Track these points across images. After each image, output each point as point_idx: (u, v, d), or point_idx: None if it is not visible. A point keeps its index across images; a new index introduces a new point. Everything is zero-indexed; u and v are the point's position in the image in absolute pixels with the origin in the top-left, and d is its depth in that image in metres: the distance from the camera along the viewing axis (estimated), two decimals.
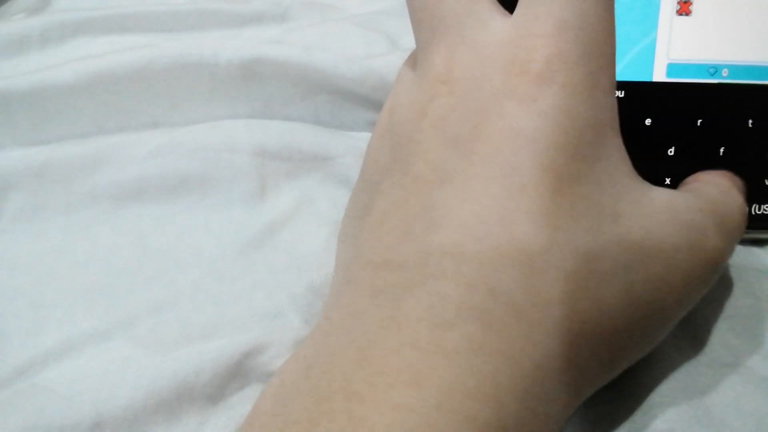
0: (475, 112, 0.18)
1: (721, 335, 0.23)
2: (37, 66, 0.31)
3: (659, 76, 0.27)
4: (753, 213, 0.26)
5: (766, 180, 0.26)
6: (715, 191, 0.22)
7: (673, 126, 0.26)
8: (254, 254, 0.26)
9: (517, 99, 0.18)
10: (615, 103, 0.19)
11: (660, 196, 0.20)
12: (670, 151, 0.26)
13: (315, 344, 0.18)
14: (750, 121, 0.26)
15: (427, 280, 0.17)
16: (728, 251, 0.21)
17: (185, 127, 0.29)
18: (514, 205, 0.17)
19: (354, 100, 0.30)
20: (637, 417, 0.21)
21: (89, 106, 0.29)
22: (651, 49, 0.27)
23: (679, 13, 0.27)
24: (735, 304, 0.24)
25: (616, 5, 0.27)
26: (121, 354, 0.23)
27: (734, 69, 0.27)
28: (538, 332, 0.17)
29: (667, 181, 0.26)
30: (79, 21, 0.32)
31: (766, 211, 0.26)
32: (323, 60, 0.29)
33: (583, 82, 0.18)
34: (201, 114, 0.30)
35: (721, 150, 0.26)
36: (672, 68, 0.27)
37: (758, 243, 0.26)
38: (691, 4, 0.27)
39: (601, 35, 0.19)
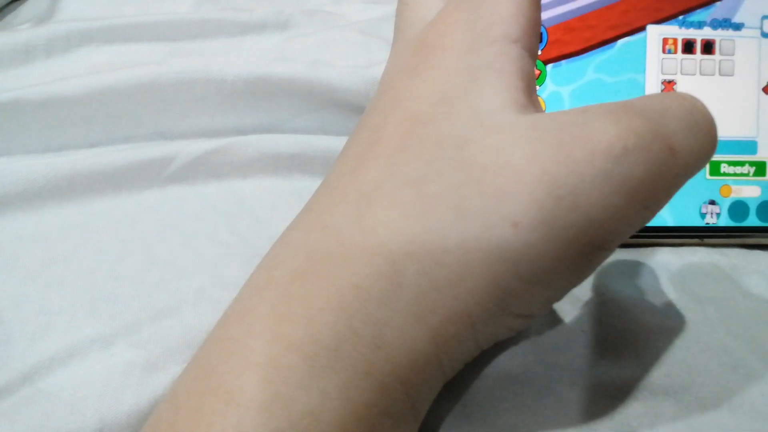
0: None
1: (720, 337, 0.23)
2: (43, 75, 0.31)
3: None
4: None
5: None
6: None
7: None
8: (258, 263, 0.26)
9: (413, 72, 0.21)
10: (502, 48, 0.19)
11: (539, 115, 0.18)
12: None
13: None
14: None
15: (287, 232, 0.20)
16: (637, 138, 0.17)
17: (196, 143, 0.29)
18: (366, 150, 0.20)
19: (359, 110, 0.30)
20: (632, 418, 0.21)
21: (99, 116, 0.30)
22: None
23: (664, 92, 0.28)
24: (734, 306, 0.24)
25: (602, 86, 0.28)
26: (124, 360, 0.23)
27: (721, 144, 0.27)
28: (357, 255, 0.18)
29: None
30: (84, 31, 0.33)
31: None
32: (328, 74, 0.30)
33: (463, 40, 0.20)
34: (208, 126, 0.30)
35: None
36: None
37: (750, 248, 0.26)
38: (674, 84, 0.28)
39: None
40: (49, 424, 0.21)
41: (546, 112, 0.19)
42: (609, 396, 0.22)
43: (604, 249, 0.18)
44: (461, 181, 0.18)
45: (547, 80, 0.28)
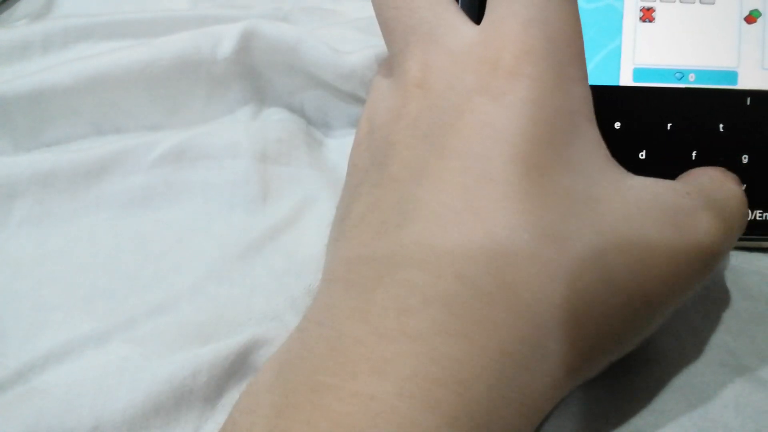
0: (449, 110, 0.19)
1: (720, 337, 0.23)
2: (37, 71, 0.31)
3: (626, 80, 0.27)
4: None
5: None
6: (705, 179, 0.21)
7: (643, 130, 0.26)
8: (254, 257, 0.26)
9: (488, 95, 0.18)
10: (587, 92, 0.20)
11: (641, 181, 0.19)
12: (642, 155, 0.26)
13: (289, 342, 0.18)
14: (720, 126, 0.26)
15: (396, 270, 0.17)
16: (725, 240, 0.20)
17: (186, 130, 0.29)
18: (483, 194, 0.17)
19: (339, 96, 0.30)
20: (635, 418, 0.21)
21: (87, 108, 0.29)
22: (617, 54, 0.27)
23: (643, 19, 0.27)
24: (734, 306, 0.24)
25: (579, 12, 0.28)
26: (119, 356, 0.23)
27: (701, 74, 0.27)
28: (505, 317, 0.16)
29: None
30: (81, 27, 0.33)
31: (757, 217, 0.26)
32: (313, 51, 0.30)
33: (551, 74, 0.19)
34: (198, 114, 0.30)
35: (693, 154, 0.26)
36: (638, 73, 0.27)
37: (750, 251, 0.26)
38: (654, 11, 0.27)
39: (566, 29, 0.19)
40: (43, 421, 0.21)
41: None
42: (610, 395, 0.22)
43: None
44: (604, 246, 0.18)
45: None
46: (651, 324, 0.20)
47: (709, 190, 0.20)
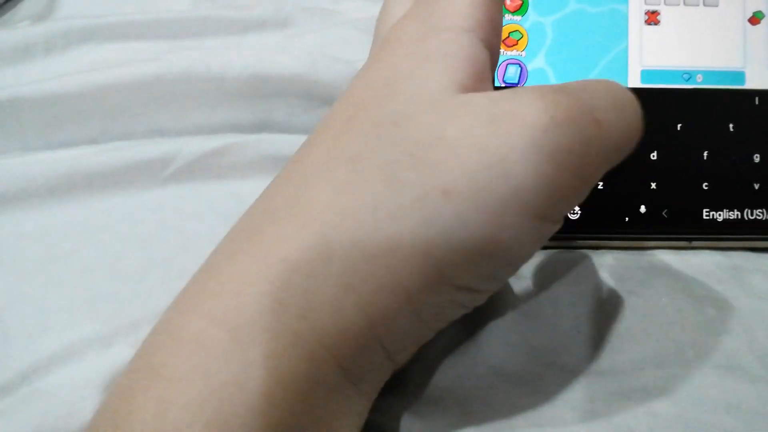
0: None
1: (720, 337, 0.23)
2: (42, 72, 0.31)
3: (634, 82, 0.27)
4: (744, 219, 0.26)
5: (755, 184, 0.26)
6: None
7: (652, 131, 0.26)
8: None
9: None
10: (450, 37, 0.20)
11: (468, 94, 0.19)
12: (653, 156, 0.26)
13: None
14: (731, 125, 0.27)
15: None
16: (563, 112, 0.17)
17: (195, 140, 0.29)
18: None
19: None
20: (629, 418, 0.21)
21: (97, 113, 0.30)
22: (623, 57, 0.27)
23: (648, 22, 0.28)
24: (736, 304, 0.24)
25: (584, 17, 0.28)
26: (123, 359, 0.23)
27: (708, 74, 0.27)
28: (287, 231, 0.18)
29: (653, 185, 0.26)
30: (83, 28, 0.33)
31: (758, 216, 0.26)
32: (326, 73, 0.30)
33: (416, 27, 0.20)
34: (206, 123, 0.30)
35: (705, 154, 0.26)
36: (646, 75, 0.27)
37: (755, 251, 0.26)
38: (658, 14, 0.27)
39: None
40: (47, 423, 0.21)
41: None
42: (606, 397, 0.22)
43: (545, 221, 0.18)
44: (395, 156, 0.18)
45: (530, 9, 0.28)
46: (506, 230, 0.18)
47: (551, 85, 0.19)
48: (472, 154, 0.17)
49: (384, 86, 0.20)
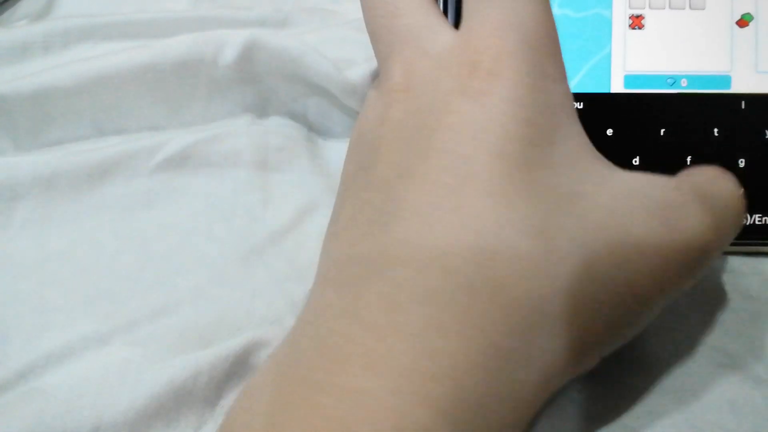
0: (431, 112, 0.19)
1: (718, 338, 0.23)
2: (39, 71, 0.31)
3: (617, 87, 0.27)
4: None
5: None
6: (699, 175, 0.21)
7: (636, 136, 0.26)
8: (256, 261, 0.26)
9: (469, 95, 0.19)
10: (566, 89, 0.20)
11: (630, 175, 0.20)
12: (635, 161, 0.26)
13: (285, 344, 0.18)
14: (715, 130, 0.26)
15: (384, 269, 0.17)
16: (716, 236, 0.19)
17: (187, 134, 0.29)
18: (468, 192, 0.18)
19: (341, 104, 0.30)
20: (631, 419, 0.21)
21: (89, 109, 0.29)
22: (606, 62, 0.27)
23: (632, 27, 0.27)
24: (734, 307, 0.24)
25: (567, 22, 0.28)
26: (120, 358, 0.23)
27: (693, 79, 0.27)
28: (493, 312, 0.17)
29: None
30: (81, 27, 0.33)
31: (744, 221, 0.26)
32: (316, 66, 0.30)
33: (528, 73, 0.19)
34: (198, 115, 0.30)
35: (689, 159, 0.26)
36: (629, 80, 0.27)
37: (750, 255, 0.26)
38: (642, 18, 0.27)
39: (540, 29, 0.20)
40: (44, 422, 0.21)
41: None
42: (607, 396, 0.22)
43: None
44: (588, 240, 0.18)
45: None
46: (640, 319, 0.20)
47: (701, 186, 0.20)
48: (657, 259, 0.19)
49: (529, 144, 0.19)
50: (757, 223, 0.26)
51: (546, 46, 0.20)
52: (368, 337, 0.16)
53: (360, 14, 0.35)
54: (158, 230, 0.27)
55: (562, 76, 0.20)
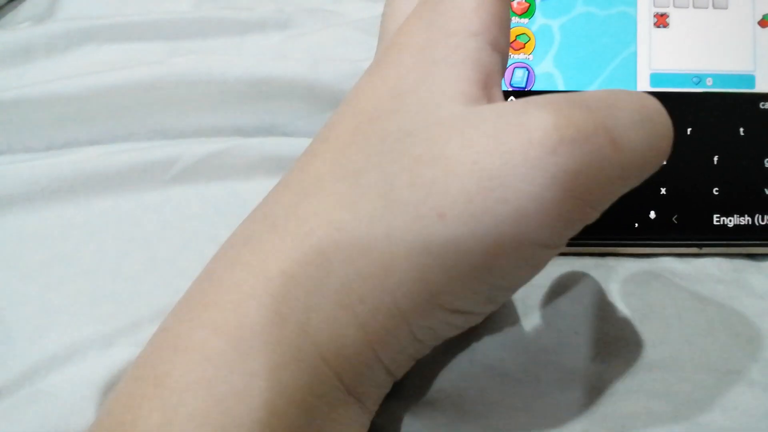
0: None
1: (717, 339, 0.23)
2: (43, 74, 0.31)
3: (643, 86, 0.27)
4: (754, 224, 0.26)
5: (765, 189, 0.26)
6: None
7: None
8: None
9: None
10: (458, 44, 0.19)
11: (475, 107, 0.18)
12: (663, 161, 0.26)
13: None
14: (741, 129, 0.26)
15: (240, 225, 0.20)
16: (571, 130, 0.16)
17: (200, 146, 0.29)
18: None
19: None
20: (626, 420, 0.21)
21: (101, 114, 0.30)
22: (632, 60, 0.27)
23: (657, 25, 0.27)
24: (737, 305, 0.24)
25: (593, 19, 0.28)
26: (124, 359, 0.23)
27: (718, 78, 0.27)
28: (287, 243, 0.18)
29: (663, 191, 0.26)
30: (84, 29, 0.33)
31: None
32: (328, 76, 0.30)
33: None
34: (209, 125, 0.30)
35: (715, 159, 0.26)
36: (655, 78, 0.27)
37: (754, 257, 0.26)
38: (667, 16, 0.27)
39: None
40: (48, 424, 0.21)
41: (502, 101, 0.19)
42: (603, 397, 0.22)
43: (545, 247, 0.17)
44: (395, 172, 0.17)
45: (537, 13, 0.28)
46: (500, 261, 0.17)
47: (568, 95, 0.17)
48: (471, 175, 0.16)
49: (390, 99, 0.19)
50: None
51: (450, 7, 0.19)
52: (191, 287, 0.19)
53: (361, 14, 0.35)
54: (163, 233, 0.27)
55: (458, 30, 0.19)
